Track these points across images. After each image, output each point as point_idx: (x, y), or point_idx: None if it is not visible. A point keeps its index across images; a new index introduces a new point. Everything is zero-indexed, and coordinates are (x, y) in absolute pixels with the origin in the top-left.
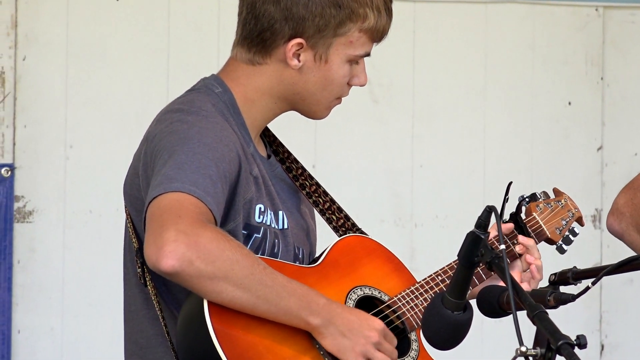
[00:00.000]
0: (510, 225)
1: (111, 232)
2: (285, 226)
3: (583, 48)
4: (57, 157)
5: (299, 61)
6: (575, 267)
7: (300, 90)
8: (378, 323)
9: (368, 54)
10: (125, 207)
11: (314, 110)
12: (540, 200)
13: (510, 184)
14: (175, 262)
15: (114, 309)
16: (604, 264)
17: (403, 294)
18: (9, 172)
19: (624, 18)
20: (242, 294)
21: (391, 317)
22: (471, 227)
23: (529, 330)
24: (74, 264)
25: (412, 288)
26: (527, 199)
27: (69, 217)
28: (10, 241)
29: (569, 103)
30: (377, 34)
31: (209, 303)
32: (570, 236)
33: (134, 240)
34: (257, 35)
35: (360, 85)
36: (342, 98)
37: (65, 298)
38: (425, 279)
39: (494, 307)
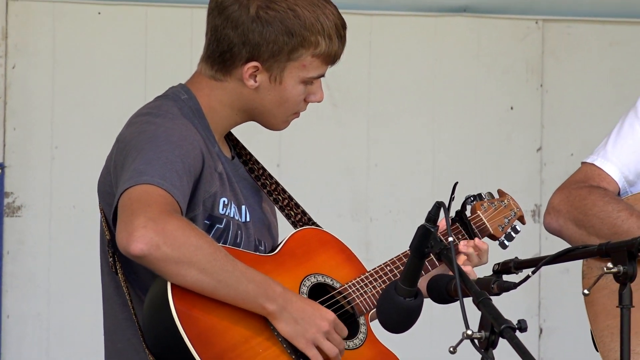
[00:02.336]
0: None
1: (93, 226)
2: (248, 219)
3: (524, 57)
4: (44, 157)
5: (256, 81)
6: (516, 257)
7: (257, 106)
8: (329, 314)
9: (322, 75)
10: (99, 204)
11: (271, 123)
12: (485, 200)
13: (456, 184)
14: (144, 246)
15: (96, 295)
16: (542, 254)
17: (354, 281)
18: (0, 171)
19: (562, 30)
20: (204, 277)
21: (342, 303)
22: (422, 221)
23: (474, 315)
24: (59, 254)
25: (362, 277)
26: (472, 199)
27: (54, 212)
28: (1, 234)
29: (511, 108)
30: (329, 58)
31: (173, 286)
32: (512, 233)
33: (106, 232)
34: (218, 56)
35: (317, 102)
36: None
37: (51, 286)
38: (375, 268)
39: (443, 294)
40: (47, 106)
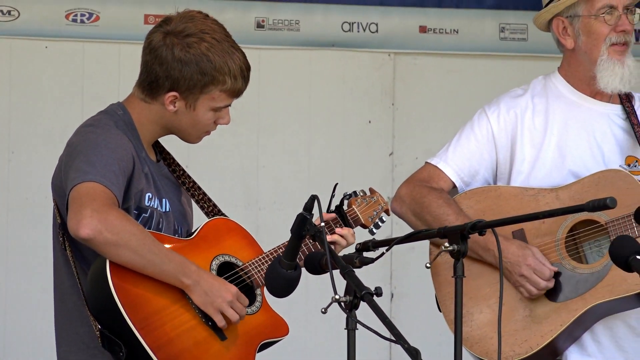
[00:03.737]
0: (333, 215)
1: (41, 213)
2: (168, 210)
3: (380, 82)
4: (3, 160)
5: (175, 107)
6: (373, 238)
7: (175, 125)
8: (233, 288)
9: (228, 105)
10: (53, 195)
11: (187, 138)
12: (359, 196)
13: (336, 185)
14: (90, 231)
15: (45, 266)
16: (393, 236)
17: (253, 261)
18: None
19: (409, 61)
20: (136, 257)
21: (243, 277)
22: (300, 210)
23: (341, 283)
24: (14, 234)
25: (260, 257)
26: (349, 195)
27: (11, 202)
28: None
29: (369, 121)
30: (234, 93)
31: (111, 263)
32: (379, 222)
33: (57, 217)
34: (147, 85)
35: (225, 124)
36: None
37: (9, 259)
38: (270, 250)
39: (317, 267)
40: (5, 121)
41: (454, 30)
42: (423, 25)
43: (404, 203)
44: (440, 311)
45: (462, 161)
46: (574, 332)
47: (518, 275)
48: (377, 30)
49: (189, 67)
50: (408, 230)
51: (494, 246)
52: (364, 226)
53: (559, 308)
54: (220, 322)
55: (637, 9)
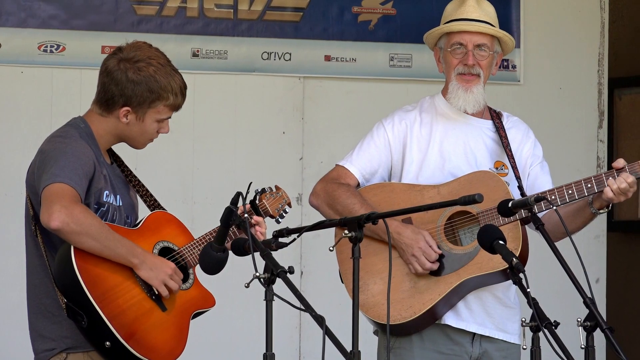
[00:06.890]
0: (248, 206)
1: (18, 206)
2: (120, 204)
3: (292, 100)
4: None
5: (127, 119)
6: (287, 227)
7: (127, 134)
8: (171, 264)
9: (169, 117)
10: (27, 191)
11: (135, 145)
12: (268, 192)
13: (250, 183)
14: (59, 223)
15: (20, 248)
16: (303, 225)
17: (186, 246)
18: None
19: (315, 83)
20: (95, 243)
21: (178, 259)
22: (227, 204)
23: (261, 263)
24: None
25: (192, 243)
26: (260, 191)
27: None
28: None
29: (284, 132)
30: (175, 108)
31: (75, 248)
32: (284, 213)
33: (30, 209)
34: (104, 102)
35: (165, 133)
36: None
37: None
38: (199, 237)
39: (241, 250)
40: None
41: (353, 58)
42: (327, 54)
43: (319, 197)
44: (343, 282)
45: (364, 162)
46: (450, 301)
47: (410, 255)
48: (290, 59)
49: (140, 87)
50: (316, 220)
51: (391, 232)
52: (272, 216)
53: (438, 281)
54: (163, 292)
55: (489, 50)
